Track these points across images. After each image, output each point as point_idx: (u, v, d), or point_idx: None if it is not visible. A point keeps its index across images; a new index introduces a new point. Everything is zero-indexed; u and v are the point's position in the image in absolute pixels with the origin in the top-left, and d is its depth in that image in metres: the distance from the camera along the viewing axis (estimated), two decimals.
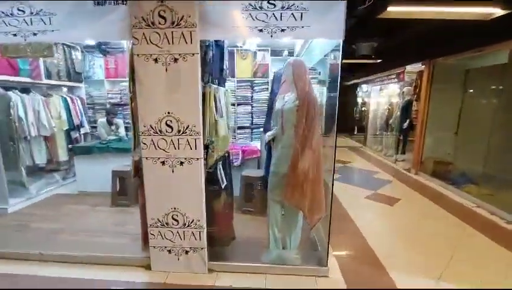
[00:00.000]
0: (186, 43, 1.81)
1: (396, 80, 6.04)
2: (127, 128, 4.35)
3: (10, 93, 3.36)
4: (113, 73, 4.76)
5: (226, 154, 2.63)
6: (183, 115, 1.90)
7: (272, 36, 1.79)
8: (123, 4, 1.83)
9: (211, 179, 2.17)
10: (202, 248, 2.10)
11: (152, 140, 1.95)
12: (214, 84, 2.18)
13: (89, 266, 2.21)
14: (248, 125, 4.66)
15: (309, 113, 1.99)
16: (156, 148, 1.96)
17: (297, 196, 2.02)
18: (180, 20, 1.78)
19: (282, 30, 1.78)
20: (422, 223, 3.14)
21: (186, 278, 2.08)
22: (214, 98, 2.11)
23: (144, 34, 1.81)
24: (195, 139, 1.93)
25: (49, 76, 3.98)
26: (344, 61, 1.90)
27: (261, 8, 1.77)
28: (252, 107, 4.67)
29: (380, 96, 7.21)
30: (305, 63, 2.12)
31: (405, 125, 5.69)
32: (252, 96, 4.69)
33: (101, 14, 1.85)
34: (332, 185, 2.04)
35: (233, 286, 2.00)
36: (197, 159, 1.96)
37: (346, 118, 10.41)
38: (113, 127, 4.29)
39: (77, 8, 1.86)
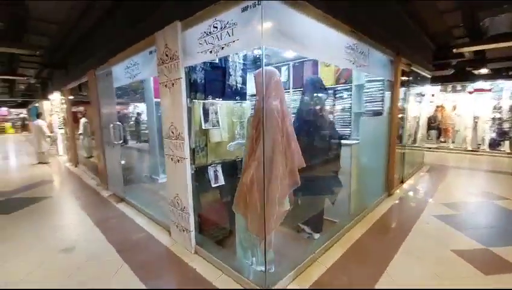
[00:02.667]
0: (176, 71, 2.42)
1: None
2: None
3: None
4: None
5: (238, 160, 2.93)
6: (177, 124, 2.53)
7: (216, 55, 2.01)
8: None
9: (202, 177, 2.63)
10: (190, 231, 2.61)
11: (168, 142, 2.74)
12: (208, 99, 2.62)
13: (151, 222, 3.37)
14: None
15: (259, 124, 1.96)
16: (169, 148, 2.73)
17: (242, 206, 2.04)
18: (173, 55, 2.43)
19: (222, 48, 1.95)
20: None
21: (180, 250, 2.68)
22: (206, 111, 2.56)
23: (161, 68, 2.63)
24: (182, 143, 2.50)
25: None
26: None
27: (210, 33, 2.04)
28: (334, 115, 4.38)
29: None
30: (273, 73, 2.04)
31: None
32: (334, 104, 4.42)
33: (151, 60, 2.90)
34: (264, 214, 1.83)
35: (197, 270, 2.35)
36: (184, 158, 2.51)
37: None
38: None
39: (144, 58, 3.03)
